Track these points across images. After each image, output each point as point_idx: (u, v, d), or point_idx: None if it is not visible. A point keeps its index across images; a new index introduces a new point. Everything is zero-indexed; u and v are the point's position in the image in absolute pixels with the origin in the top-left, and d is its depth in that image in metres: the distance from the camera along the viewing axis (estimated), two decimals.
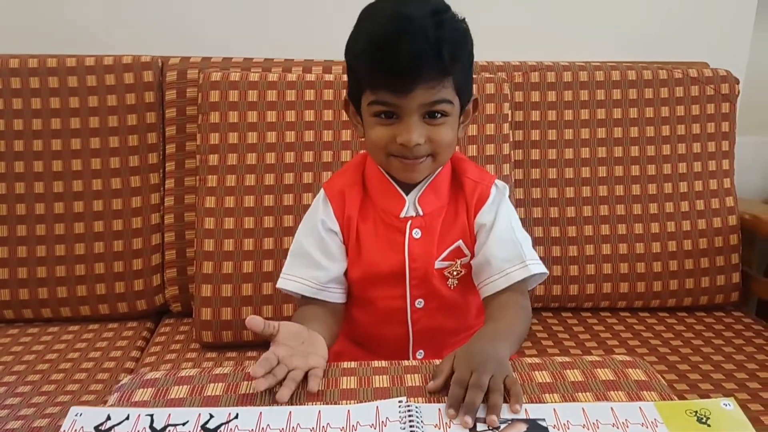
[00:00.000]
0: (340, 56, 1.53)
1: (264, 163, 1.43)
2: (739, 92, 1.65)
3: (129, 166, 1.50)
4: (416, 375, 0.80)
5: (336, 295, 1.05)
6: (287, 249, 1.08)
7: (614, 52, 1.77)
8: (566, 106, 1.58)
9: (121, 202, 1.50)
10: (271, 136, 1.44)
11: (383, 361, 0.83)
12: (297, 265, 1.04)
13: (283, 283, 1.04)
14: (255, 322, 0.79)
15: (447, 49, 0.90)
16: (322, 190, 1.07)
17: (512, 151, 1.54)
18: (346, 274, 1.05)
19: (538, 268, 1.00)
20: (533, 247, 1.04)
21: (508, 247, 1.00)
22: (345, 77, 1.47)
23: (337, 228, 1.04)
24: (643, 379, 0.80)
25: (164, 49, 1.60)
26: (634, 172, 1.58)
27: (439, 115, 0.94)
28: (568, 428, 0.70)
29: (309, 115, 1.45)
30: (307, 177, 1.44)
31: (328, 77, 1.49)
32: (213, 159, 1.43)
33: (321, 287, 1.03)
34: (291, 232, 1.16)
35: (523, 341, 0.94)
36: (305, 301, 1.04)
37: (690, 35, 1.84)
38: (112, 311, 1.51)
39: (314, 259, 1.03)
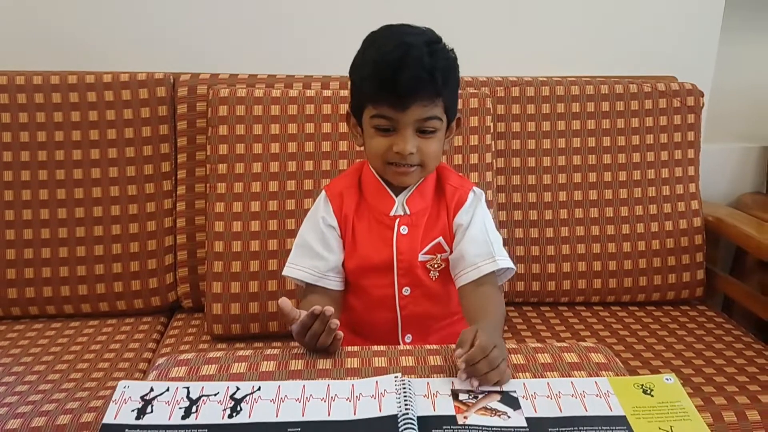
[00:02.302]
0: (338, 72, 1.69)
1: (268, 171, 1.54)
2: (703, 104, 1.75)
3: (144, 174, 1.61)
4: (410, 357, 0.93)
5: (334, 283, 1.18)
6: (290, 249, 1.21)
7: (588, 67, 1.86)
8: (544, 118, 1.69)
9: (136, 207, 1.61)
10: (275, 147, 1.55)
11: (382, 346, 0.96)
12: (300, 256, 1.18)
13: (288, 271, 1.18)
14: (286, 303, 0.93)
15: (439, 75, 1.05)
16: (323, 191, 1.21)
17: (494, 160, 1.65)
18: (343, 264, 1.19)
19: (506, 263, 1.14)
20: (513, 246, 1.18)
21: (480, 245, 1.14)
22: (342, 93, 1.59)
23: (335, 224, 1.18)
24: (603, 361, 0.93)
25: (176, 66, 1.70)
26: (606, 178, 1.69)
27: (429, 130, 1.09)
28: (535, 398, 0.83)
29: (309, 128, 1.56)
30: (308, 184, 1.55)
31: (326, 92, 1.59)
32: (222, 168, 1.54)
33: (321, 275, 1.17)
34: (293, 234, 1.26)
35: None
36: (309, 289, 1.18)
37: (659, 51, 1.93)
38: (129, 307, 1.62)
39: (315, 251, 1.17)
